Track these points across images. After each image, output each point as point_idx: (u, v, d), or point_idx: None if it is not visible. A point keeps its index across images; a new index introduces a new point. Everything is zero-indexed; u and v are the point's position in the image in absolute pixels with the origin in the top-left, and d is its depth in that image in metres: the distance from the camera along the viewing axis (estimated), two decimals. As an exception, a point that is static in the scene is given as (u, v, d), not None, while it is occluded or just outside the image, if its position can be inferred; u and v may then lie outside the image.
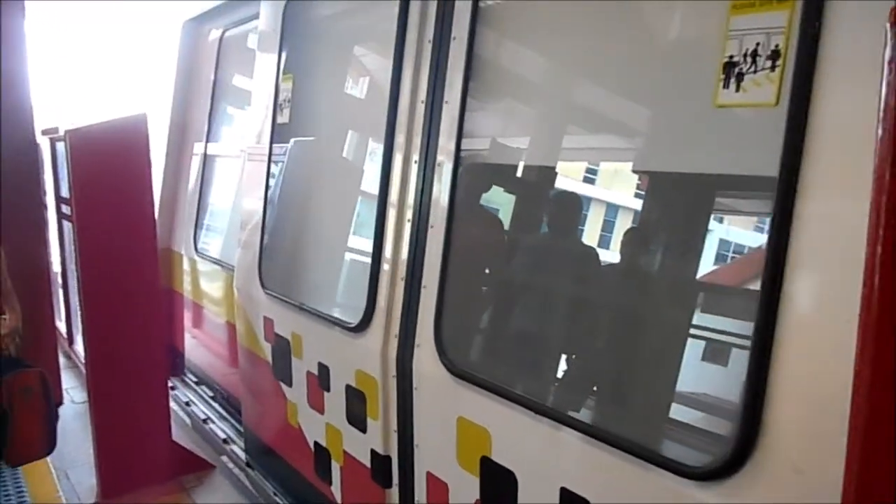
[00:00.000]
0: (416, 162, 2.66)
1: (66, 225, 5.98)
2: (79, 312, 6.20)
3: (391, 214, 2.75)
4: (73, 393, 5.42)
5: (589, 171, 2.25)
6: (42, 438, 3.37)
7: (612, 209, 2.16)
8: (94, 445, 3.89)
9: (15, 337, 3.25)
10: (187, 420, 4.95)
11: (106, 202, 3.71)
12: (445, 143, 2.50)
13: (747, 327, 1.56)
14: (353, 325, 2.87)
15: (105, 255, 3.75)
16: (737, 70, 1.65)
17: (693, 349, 1.87)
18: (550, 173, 2.30)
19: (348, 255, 3.47)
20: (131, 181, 3.77)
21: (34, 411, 3.28)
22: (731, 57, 1.66)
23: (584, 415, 1.98)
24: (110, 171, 3.71)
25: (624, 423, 1.93)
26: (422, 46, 2.66)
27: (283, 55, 3.59)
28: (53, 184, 5.92)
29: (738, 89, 1.64)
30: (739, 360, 1.61)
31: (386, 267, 2.76)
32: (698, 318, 1.87)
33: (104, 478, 3.90)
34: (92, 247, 3.75)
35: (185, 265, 5.39)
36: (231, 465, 4.24)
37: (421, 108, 2.64)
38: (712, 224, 1.85)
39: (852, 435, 1.25)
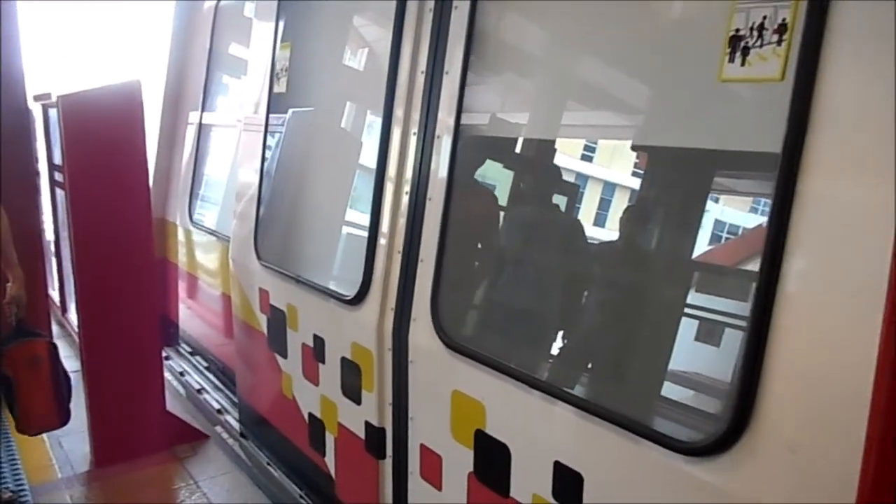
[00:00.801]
0: (414, 134, 2.63)
1: (59, 192, 5.93)
2: (72, 281, 6.21)
3: (389, 187, 2.73)
4: (66, 362, 5.35)
5: (589, 147, 2.23)
6: (54, 409, 3.38)
7: (610, 186, 2.15)
8: (88, 414, 3.90)
9: (16, 305, 3.24)
10: (181, 390, 4.96)
11: (99, 170, 3.67)
12: (445, 116, 2.47)
13: (744, 307, 1.55)
14: (349, 298, 2.87)
15: (98, 223, 3.72)
16: (743, 44, 1.62)
17: (689, 327, 1.87)
18: (551, 148, 2.27)
19: (345, 228, 3.44)
20: (125, 149, 3.72)
21: (43, 382, 3.28)
22: (737, 30, 1.63)
23: (578, 390, 1.99)
24: (103, 138, 3.66)
25: (619, 398, 1.94)
26: (422, 16, 2.62)
27: (282, 23, 3.53)
28: (46, 151, 5.86)
29: (743, 63, 1.62)
30: (735, 339, 1.60)
31: (383, 240, 2.74)
32: (694, 296, 1.87)
33: (98, 446, 3.92)
34: (85, 215, 3.72)
35: (180, 235, 5.35)
36: (225, 435, 4.26)
37: (420, 80, 2.60)
38: (710, 203, 1.84)
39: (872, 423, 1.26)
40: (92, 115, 3.65)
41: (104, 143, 3.65)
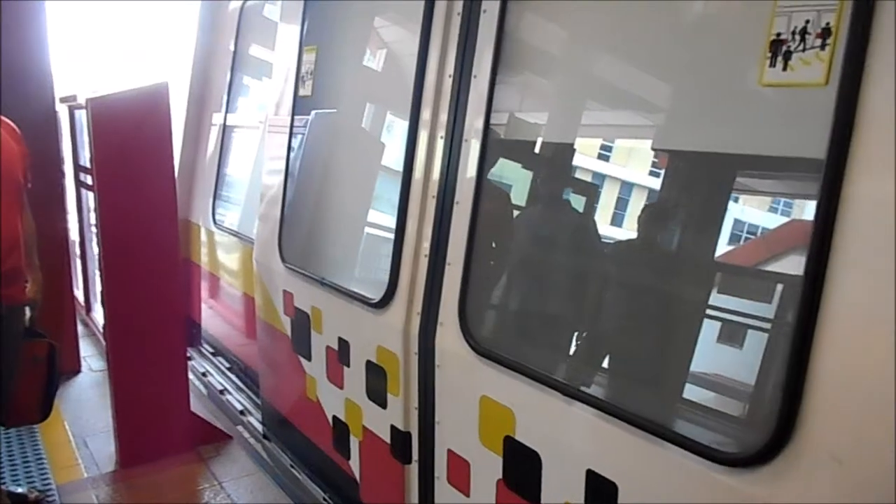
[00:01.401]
0: (441, 137, 2.62)
1: (85, 193, 6.00)
2: (97, 281, 6.28)
3: (415, 190, 2.72)
4: (90, 361, 5.47)
5: (623, 151, 2.20)
6: (37, 405, 3.43)
7: (645, 190, 2.12)
8: (114, 414, 3.93)
9: (31, 307, 3.27)
10: (203, 390, 4.99)
11: (127, 172, 3.70)
12: (473, 119, 2.45)
13: (790, 313, 1.52)
14: (375, 301, 2.86)
15: (125, 224, 3.75)
16: (784, 48, 1.59)
17: (730, 334, 1.84)
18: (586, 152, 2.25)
19: (370, 231, 3.44)
20: (152, 151, 3.75)
21: (36, 379, 3.33)
22: (778, 34, 1.60)
23: (614, 397, 1.96)
24: (132, 140, 3.69)
25: (656, 406, 1.91)
26: (450, 18, 2.60)
27: (307, 27, 3.53)
28: (72, 152, 5.93)
29: (785, 68, 1.59)
30: (779, 346, 1.57)
31: (409, 243, 2.73)
32: (735, 302, 1.84)
33: (123, 446, 3.95)
34: (112, 216, 3.75)
35: (203, 236, 5.39)
36: (248, 436, 4.28)
37: (448, 83, 2.59)
38: (751, 208, 1.81)
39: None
40: (120, 117, 3.68)
41: (132, 145, 3.68)
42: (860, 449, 1.42)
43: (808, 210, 1.53)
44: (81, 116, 5.78)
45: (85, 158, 5.93)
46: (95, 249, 6.11)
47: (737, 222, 1.79)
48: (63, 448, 4.11)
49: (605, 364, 2.11)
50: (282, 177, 3.67)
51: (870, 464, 1.40)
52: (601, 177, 2.25)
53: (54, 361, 3.36)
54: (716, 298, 1.89)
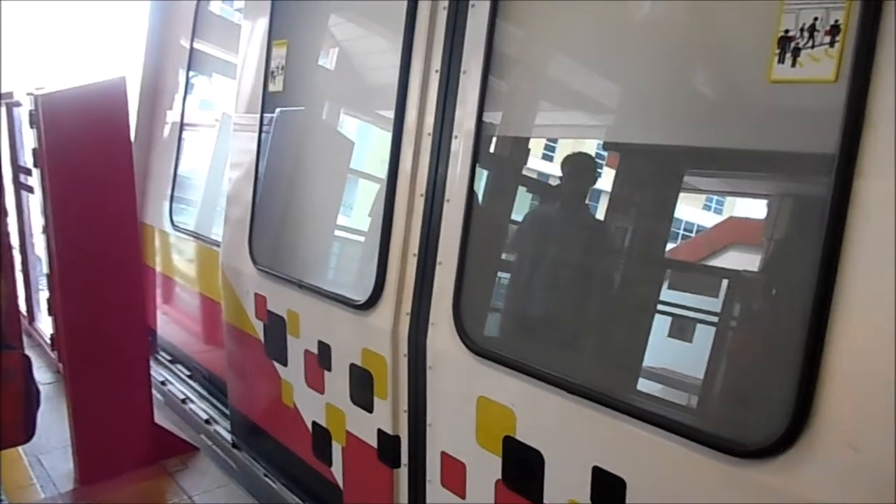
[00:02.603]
0: (429, 135, 2.57)
1: (25, 196, 5.67)
2: (39, 289, 5.93)
3: (402, 188, 2.66)
4: (38, 374, 5.13)
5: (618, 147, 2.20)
6: (21, 424, 3.20)
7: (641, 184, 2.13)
8: (72, 429, 3.72)
9: None
10: (163, 400, 4.78)
11: (83, 172, 3.50)
12: (464, 116, 2.42)
13: (801, 302, 1.55)
14: (360, 303, 2.79)
15: (81, 227, 3.55)
16: (793, 45, 1.62)
17: (736, 323, 1.86)
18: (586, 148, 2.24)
19: (352, 231, 3.36)
20: (110, 150, 3.56)
21: (15, 396, 3.11)
22: (786, 31, 1.63)
23: (619, 392, 1.96)
24: (87, 138, 3.49)
25: (666, 399, 1.92)
26: (435, 14, 2.56)
27: (276, 20, 3.42)
28: (10, 152, 5.58)
29: (794, 64, 1.62)
30: (789, 335, 1.60)
31: (396, 243, 2.68)
32: (739, 293, 1.86)
33: (82, 463, 3.74)
34: (67, 219, 3.54)
35: (159, 239, 5.16)
36: (215, 446, 4.12)
37: (435, 78, 2.55)
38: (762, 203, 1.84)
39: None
40: (74, 114, 3.47)
41: (88, 144, 3.48)
42: (876, 436, 1.45)
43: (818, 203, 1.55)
44: (20, 114, 5.47)
45: (24, 158, 5.61)
46: (38, 255, 5.78)
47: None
48: (15, 467, 3.86)
49: (611, 359, 2.11)
50: (250, 176, 3.54)
51: (886, 451, 1.43)
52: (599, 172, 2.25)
53: (31, 375, 3.14)
54: (719, 291, 1.91)
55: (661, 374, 1.95)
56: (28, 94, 4.59)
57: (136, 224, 3.77)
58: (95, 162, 3.55)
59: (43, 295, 5.70)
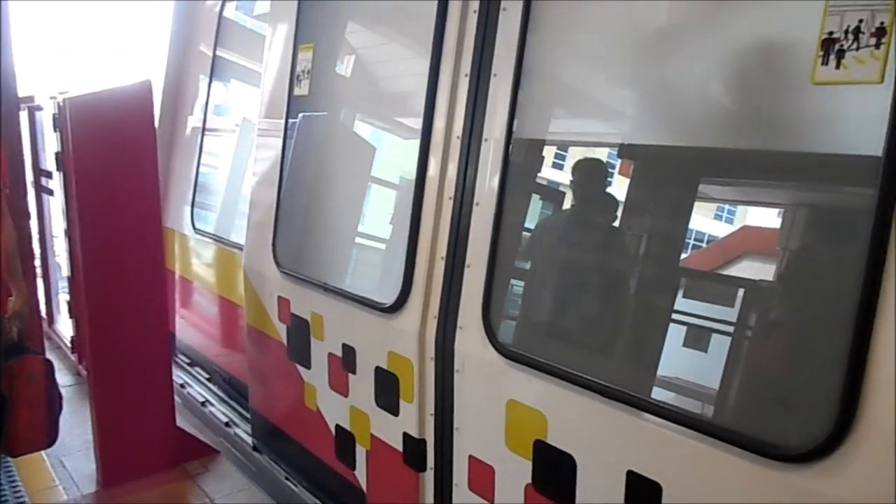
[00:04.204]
0: (458, 138, 2.57)
1: (46, 199, 5.72)
2: (60, 291, 5.98)
3: (430, 191, 2.67)
4: (58, 376, 5.16)
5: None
6: (44, 429, 3.22)
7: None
8: (94, 432, 3.73)
9: (18, 320, 3.08)
10: (180, 402, 4.78)
11: (109, 176, 3.51)
12: (493, 119, 2.42)
13: (846, 303, 1.54)
14: (386, 306, 2.79)
15: (106, 231, 3.57)
16: (837, 46, 1.61)
17: (777, 324, 1.85)
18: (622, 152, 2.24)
19: (378, 234, 3.36)
20: (135, 153, 3.58)
21: (37, 400, 3.13)
22: (830, 33, 1.62)
23: (656, 395, 1.95)
24: (113, 142, 3.51)
25: (703, 402, 1.91)
26: (466, 16, 2.57)
27: (301, 23, 3.43)
28: (31, 156, 5.64)
29: (838, 66, 1.61)
30: (834, 335, 1.59)
31: (424, 246, 2.68)
32: (780, 291, 1.85)
33: (105, 465, 3.74)
34: (91, 222, 3.56)
35: (180, 242, 5.19)
36: (235, 450, 4.12)
37: (465, 81, 2.55)
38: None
39: None
40: (100, 118, 3.49)
41: (114, 147, 3.50)
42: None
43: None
44: (42, 118, 5.52)
45: (45, 161, 5.66)
46: (60, 258, 5.83)
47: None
48: (38, 469, 3.87)
49: (646, 360, 2.10)
50: (274, 179, 3.55)
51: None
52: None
53: (53, 379, 3.16)
54: (759, 293, 1.90)
55: (700, 376, 1.93)
56: (52, 98, 4.65)
57: (159, 228, 3.79)
58: (121, 165, 3.57)
59: (63, 297, 5.75)
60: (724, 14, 1.92)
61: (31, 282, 4.97)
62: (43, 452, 4.01)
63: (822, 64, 1.63)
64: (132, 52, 6.40)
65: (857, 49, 1.58)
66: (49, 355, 5.37)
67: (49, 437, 3.29)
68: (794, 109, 1.76)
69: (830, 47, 1.62)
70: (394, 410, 2.84)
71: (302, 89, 3.39)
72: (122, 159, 3.56)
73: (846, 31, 1.60)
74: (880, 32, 1.55)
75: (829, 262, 1.71)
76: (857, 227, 1.56)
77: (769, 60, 1.80)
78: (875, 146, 1.52)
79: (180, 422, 4.24)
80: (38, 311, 5.10)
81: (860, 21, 1.58)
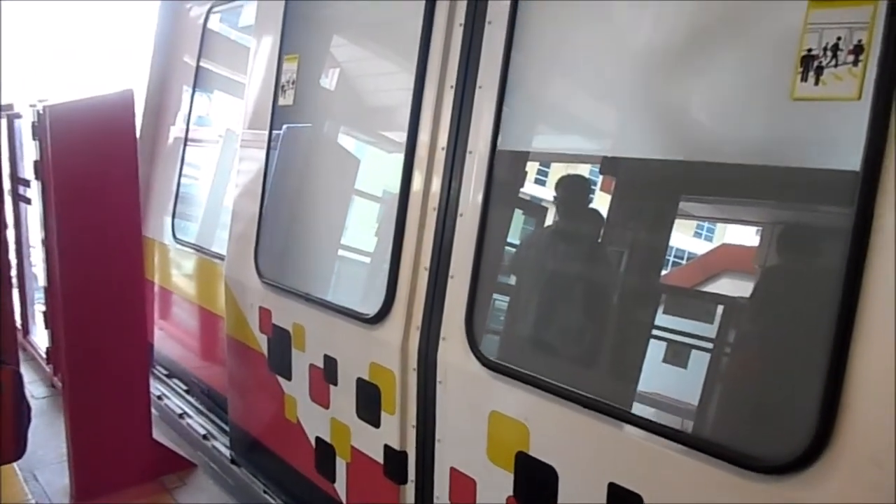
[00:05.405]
0: (442, 149, 2.58)
1: (24, 208, 5.64)
2: (35, 301, 5.87)
3: (414, 202, 2.67)
4: (32, 387, 5.08)
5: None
6: (11, 441, 3.14)
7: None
8: (69, 444, 3.65)
9: None
10: (157, 414, 4.71)
11: (88, 185, 3.47)
12: (478, 130, 2.43)
13: (825, 317, 1.56)
14: (369, 317, 2.77)
15: (85, 240, 3.52)
16: (816, 63, 1.64)
17: (756, 337, 1.86)
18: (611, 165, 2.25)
19: (361, 245, 3.35)
20: (116, 163, 3.53)
21: (5, 412, 3.05)
22: (809, 50, 1.65)
23: (638, 408, 1.95)
24: (93, 151, 3.47)
25: (684, 414, 1.91)
26: (451, 29, 2.58)
27: (287, 34, 3.43)
28: (10, 164, 5.56)
29: (817, 83, 1.64)
30: (812, 349, 1.60)
31: (407, 257, 2.67)
32: (759, 305, 1.86)
33: (79, 478, 3.66)
34: (70, 232, 3.51)
35: (160, 252, 5.13)
36: (213, 463, 4.06)
37: (450, 93, 2.56)
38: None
39: None
40: (81, 126, 3.45)
41: (94, 156, 3.46)
42: (901, 450, 1.45)
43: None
44: (21, 126, 5.46)
45: (23, 170, 5.58)
46: (37, 267, 5.73)
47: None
48: (9, 482, 3.78)
49: (628, 373, 2.10)
50: (257, 190, 3.53)
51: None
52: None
53: (21, 390, 3.09)
54: (741, 305, 1.92)
55: (679, 389, 1.94)
56: (31, 105, 4.60)
57: (139, 238, 3.74)
58: (101, 174, 3.52)
59: (38, 308, 5.65)
60: (705, 30, 1.95)
61: (6, 292, 4.89)
62: (15, 465, 3.92)
63: (802, 80, 1.66)
64: (114, 61, 6.34)
65: (836, 66, 1.62)
66: (23, 366, 5.29)
67: (17, 450, 3.21)
68: (773, 125, 1.78)
69: (809, 64, 1.65)
70: (375, 422, 2.82)
71: (286, 99, 3.38)
72: (102, 169, 3.52)
73: (825, 49, 1.63)
74: (858, 50, 1.59)
75: (807, 278, 1.74)
76: (836, 243, 1.58)
77: (749, 76, 1.84)
78: (853, 161, 1.55)
79: (157, 434, 4.16)
80: (14, 323, 5.00)
81: (838, 38, 1.61)
